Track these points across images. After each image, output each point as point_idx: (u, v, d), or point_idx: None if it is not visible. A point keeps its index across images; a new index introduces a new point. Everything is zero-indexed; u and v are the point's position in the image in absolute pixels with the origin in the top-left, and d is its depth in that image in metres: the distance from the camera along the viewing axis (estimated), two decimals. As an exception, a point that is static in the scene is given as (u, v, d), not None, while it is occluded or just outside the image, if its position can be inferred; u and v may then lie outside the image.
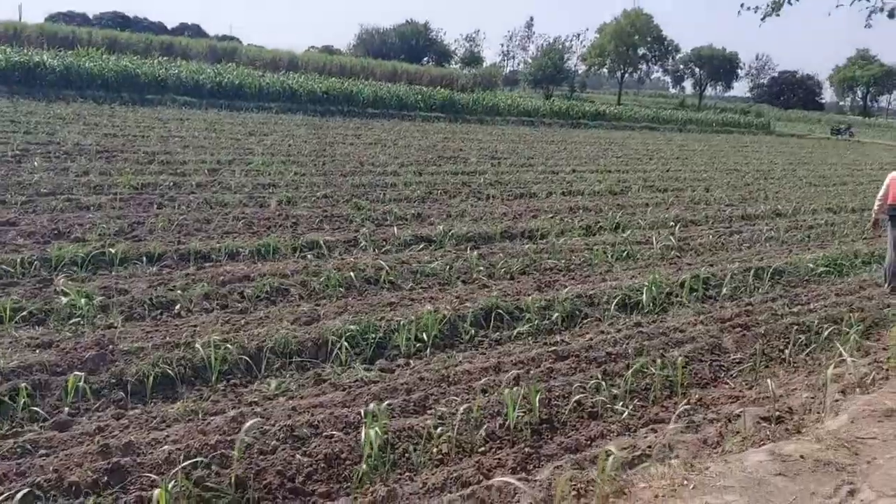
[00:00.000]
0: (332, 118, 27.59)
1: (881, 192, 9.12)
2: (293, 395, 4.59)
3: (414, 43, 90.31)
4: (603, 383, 5.20)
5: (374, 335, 5.64)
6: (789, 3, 4.68)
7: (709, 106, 76.43)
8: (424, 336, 5.88)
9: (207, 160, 13.69)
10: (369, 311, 6.25)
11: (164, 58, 34.46)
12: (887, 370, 5.36)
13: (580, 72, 78.64)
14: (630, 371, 5.36)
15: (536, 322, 6.59)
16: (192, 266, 7.13)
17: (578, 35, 75.97)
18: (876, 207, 9.28)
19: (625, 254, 9.59)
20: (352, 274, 7.15)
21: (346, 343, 5.33)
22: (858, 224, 13.65)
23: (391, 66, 71.48)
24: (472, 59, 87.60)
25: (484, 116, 37.14)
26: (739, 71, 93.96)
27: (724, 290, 8.24)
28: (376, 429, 3.78)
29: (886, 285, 8.83)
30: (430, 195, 12.78)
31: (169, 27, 72.26)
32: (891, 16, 4.17)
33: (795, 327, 6.96)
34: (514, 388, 4.84)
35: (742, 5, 4.67)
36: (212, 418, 4.19)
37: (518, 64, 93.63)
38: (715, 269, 9.05)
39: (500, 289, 7.49)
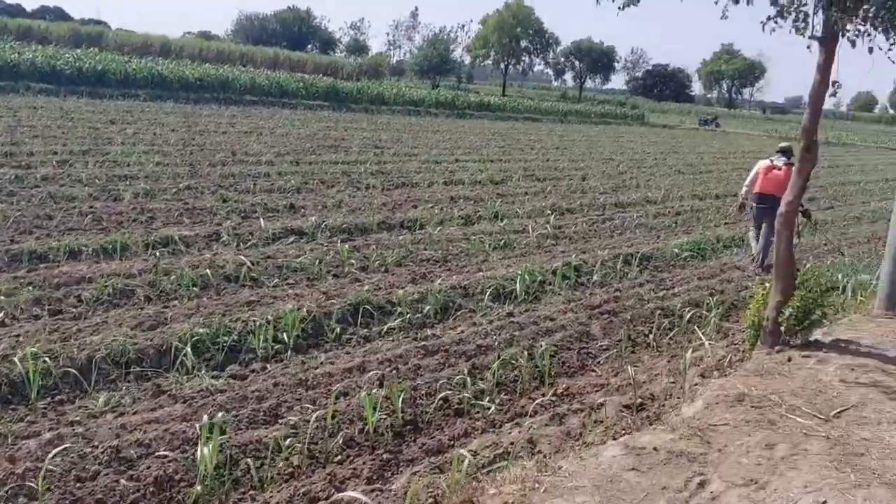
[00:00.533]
0: (206, 106, 26.28)
1: (748, 178, 9.63)
2: (124, 411, 4.11)
3: (296, 30, 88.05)
4: (470, 378, 5.03)
5: (226, 338, 5.21)
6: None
7: (589, 98, 79.06)
8: (285, 336, 5.51)
9: (59, 151, 12.57)
10: (225, 312, 5.80)
11: (18, 42, 31.68)
12: (743, 352, 5.50)
13: (466, 63, 79.43)
14: (497, 363, 5.22)
15: (409, 316, 6.36)
16: (23, 268, 6.39)
17: (463, 26, 76.70)
18: (743, 192, 9.80)
19: (502, 243, 9.55)
20: (208, 271, 6.65)
21: (192, 348, 4.88)
22: (721, 210, 14.34)
23: (272, 52, 69.27)
24: (358, 48, 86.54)
25: (369, 105, 36.61)
26: (616, 64, 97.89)
27: (595, 277, 8.33)
28: (213, 444, 3.40)
29: (753, 265, 9.32)
30: (305, 185, 12.30)
31: (29, 10, 66.86)
32: (736, 1, 4.16)
33: (660, 312, 7.11)
34: (377, 390, 4.59)
35: (598, -7, 4.56)
36: (24, 442, 3.68)
37: (405, 54, 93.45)
38: (587, 256, 9.16)
39: (373, 282, 7.22)
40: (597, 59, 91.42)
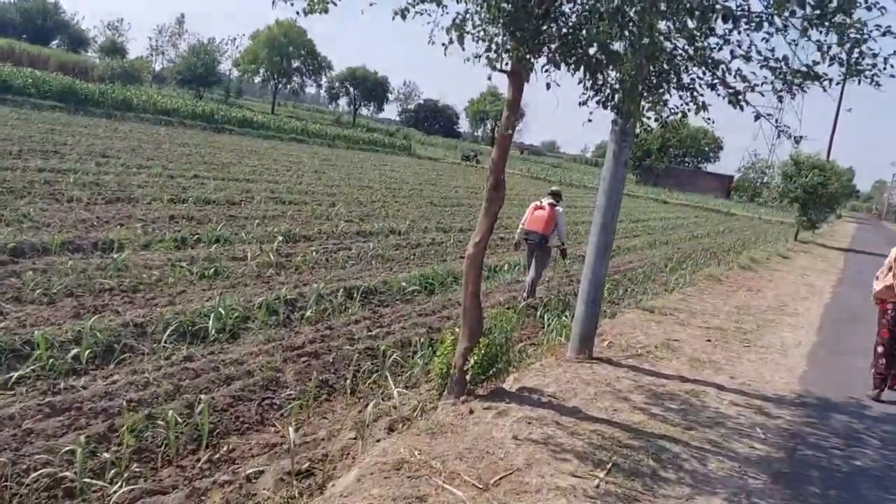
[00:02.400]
0: None
1: (523, 219, 10.17)
2: None
3: (39, 22, 78.55)
4: (100, 444, 4.02)
5: None
6: (334, 3, 3.98)
7: (362, 125, 79.75)
8: None
9: None
10: None
11: None
12: (436, 398, 5.10)
13: (233, 76, 76.05)
14: (130, 425, 4.26)
15: (51, 362, 5.13)
16: None
17: (234, 39, 73.43)
18: (518, 231, 10.36)
19: (212, 271, 8.51)
20: None
21: None
22: (462, 244, 14.50)
23: (6, 44, 61.11)
24: (114, 50, 79.13)
25: (113, 111, 33.10)
26: (390, 95, 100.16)
27: (309, 313, 7.64)
28: None
29: (524, 296, 9.81)
30: (-15, 195, 10.23)
31: None
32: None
33: (368, 352, 6.60)
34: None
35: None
36: None
37: (168, 62, 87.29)
38: (308, 288, 8.46)
39: (20, 316, 5.85)
40: (371, 88, 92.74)
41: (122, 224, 10.19)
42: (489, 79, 4.18)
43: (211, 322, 6.49)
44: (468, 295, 4.77)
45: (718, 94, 5.03)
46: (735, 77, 4.90)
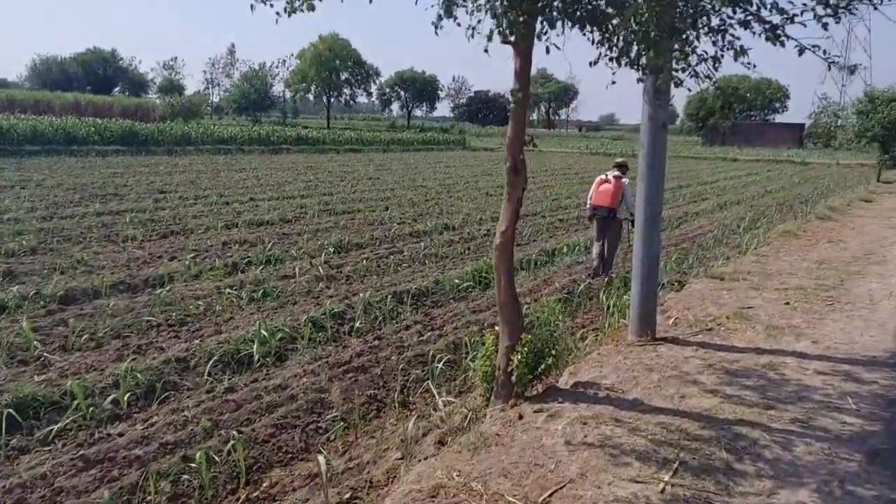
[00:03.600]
0: (-36, 159, 22.98)
1: (590, 194, 10.05)
2: None
3: (101, 72, 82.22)
4: (130, 497, 3.85)
5: None
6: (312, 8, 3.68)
7: (416, 126, 79.96)
8: None
9: None
10: None
11: None
12: (483, 405, 4.74)
13: (287, 97, 77.48)
14: (170, 469, 4.08)
15: (91, 410, 5.05)
16: None
17: (284, 61, 74.60)
18: (587, 205, 10.15)
19: (260, 293, 8.40)
20: None
21: None
22: (519, 230, 14.06)
23: (72, 97, 64.27)
24: (172, 88, 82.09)
25: (174, 147, 34.15)
26: (440, 92, 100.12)
27: (357, 324, 7.41)
28: None
29: (590, 274, 9.77)
30: (43, 245, 10.48)
31: None
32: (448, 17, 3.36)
33: (419, 359, 6.30)
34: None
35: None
36: None
37: (224, 92, 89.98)
38: (358, 298, 8.23)
39: (64, 366, 5.82)
40: (421, 89, 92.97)
41: (174, 257, 10.24)
42: (486, 51, 3.77)
43: (255, 347, 6.32)
44: (502, 289, 4.39)
45: (754, 33, 4.46)
46: (771, 10, 4.34)
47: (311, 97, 75.66)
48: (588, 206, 10.11)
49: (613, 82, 4.73)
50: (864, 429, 4.04)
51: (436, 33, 3.83)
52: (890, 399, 4.50)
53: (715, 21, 4.49)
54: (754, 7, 4.34)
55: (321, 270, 9.54)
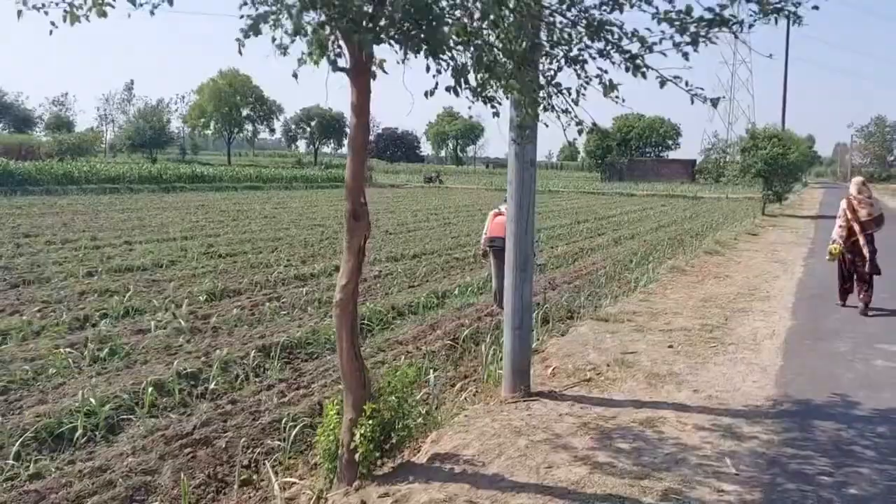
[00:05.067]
0: None
1: (484, 227, 10.14)
2: None
3: (-19, 108, 77.29)
4: None
5: None
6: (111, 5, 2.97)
7: (324, 163, 78.87)
8: None
9: None
10: None
11: None
12: (321, 491, 4.09)
13: (185, 134, 74.86)
14: None
15: None
16: None
17: (183, 97, 72.00)
18: (482, 240, 10.28)
19: (107, 351, 7.45)
20: None
21: None
22: (412, 271, 13.53)
23: (-57, 134, 60.06)
24: (61, 125, 78.04)
25: (53, 187, 32.02)
26: (347, 129, 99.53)
27: (212, 386, 6.61)
28: None
29: (496, 306, 9.53)
30: None
31: None
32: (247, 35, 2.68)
33: (275, 426, 5.59)
34: None
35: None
36: None
37: (118, 129, 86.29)
38: (220, 353, 7.42)
39: None
40: (327, 125, 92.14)
41: (16, 311, 9.10)
42: (294, 76, 3.26)
43: (79, 421, 5.44)
44: (344, 353, 3.80)
45: (614, 63, 4.13)
46: (631, 38, 4.02)
47: (209, 133, 73.34)
48: (483, 239, 10.08)
49: (470, 117, 4.30)
50: (743, 498, 3.65)
51: (239, 52, 3.26)
52: (770, 458, 4.16)
53: (573, 50, 4.15)
54: (615, 36, 4.01)
55: (183, 322, 8.65)
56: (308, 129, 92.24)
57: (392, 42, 3.31)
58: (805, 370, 6.09)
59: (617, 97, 4.28)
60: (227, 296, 10.74)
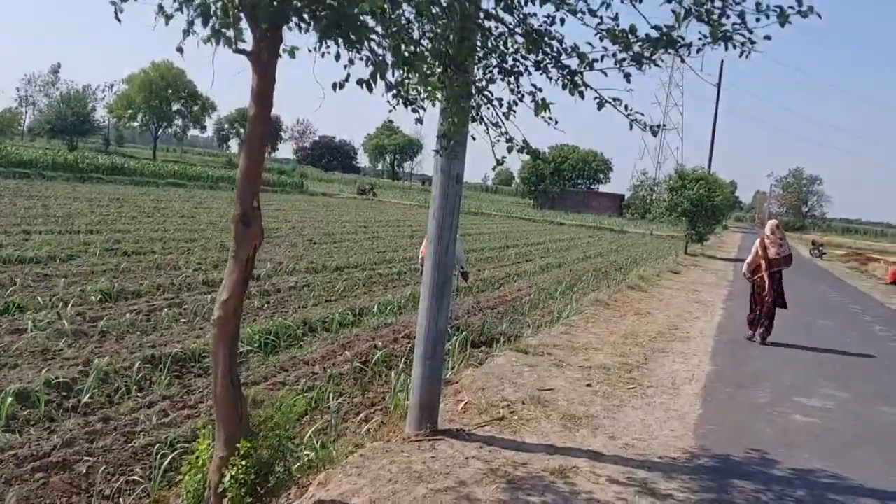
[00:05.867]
0: None
1: (421, 248, 9.53)
2: None
3: None
4: None
5: None
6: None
7: (255, 165, 76.71)
8: None
9: None
10: None
11: None
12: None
13: (110, 123, 71.60)
14: None
15: None
16: None
17: (112, 85, 68.59)
18: (419, 259, 9.77)
19: (-31, 356, 6.61)
20: None
21: None
22: (331, 284, 12.94)
23: None
24: (-25, 101, 73.61)
25: (-45, 167, 29.88)
26: (283, 134, 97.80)
27: (86, 399, 5.90)
28: None
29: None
30: None
31: None
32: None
33: (151, 450, 4.95)
34: None
35: None
36: None
37: (40, 112, 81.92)
38: (98, 362, 6.67)
39: None
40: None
41: None
42: (179, 50, 2.77)
43: None
44: (218, 379, 3.27)
45: (551, 78, 3.79)
46: (571, 54, 3.68)
47: (136, 125, 70.33)
48: (420, 259, 9.75)
49: (390, 121, 3.86)
50: (656, 568, 3.30)
51: (117, 18, 2.74)
52: (686, 520, 3.84)
53: (508, 60, 3.79)
54: (554, 49, 3.66)
55: (67, 324, 7.84)
56: (241, 130, 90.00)
57: (301, 23, 2.85)
58: (724, 421, 5.87)
59: (550, 119, 3.95)
60: (125, 298, 9.92)
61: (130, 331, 8.27)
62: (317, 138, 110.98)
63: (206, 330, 8.70)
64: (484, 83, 3.87)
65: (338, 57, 2.84)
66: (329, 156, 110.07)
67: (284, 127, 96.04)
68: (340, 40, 2.68)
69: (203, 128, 73.42)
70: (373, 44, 2.81)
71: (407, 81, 3.11)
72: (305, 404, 4.05)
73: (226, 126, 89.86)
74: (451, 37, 3.09)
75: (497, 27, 3.41)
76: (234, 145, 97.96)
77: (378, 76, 2.81)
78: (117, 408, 5.89)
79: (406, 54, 2.80)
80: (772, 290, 9.68)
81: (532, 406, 5.66)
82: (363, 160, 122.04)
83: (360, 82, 2.82)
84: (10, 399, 5.44)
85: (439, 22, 2.93)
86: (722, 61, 33.11)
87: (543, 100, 3.86)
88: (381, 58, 2.83)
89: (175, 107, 67.29)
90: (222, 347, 3.25)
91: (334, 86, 2.94)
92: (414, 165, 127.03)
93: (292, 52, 3.16)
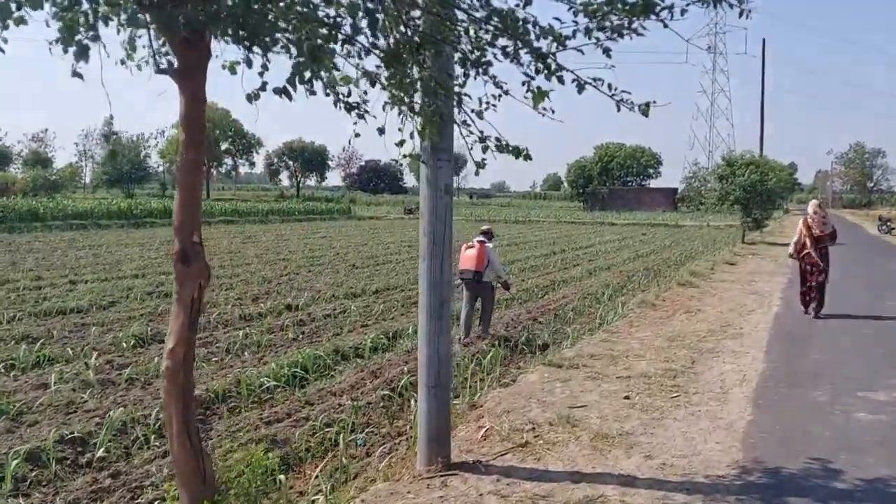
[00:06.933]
0: None
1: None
2: None
3: (-43, 144, 76.33)
4: None
5: None
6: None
7: (306, 196, 78.05)
8: None
9: None
10: None
11: None
12: None
13: (163, 169, 73.97)
14: None
15: None
16: None
17: (163, 131, 71.04)
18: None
19: (-4, 414, 6.53)
20: None
21: None
22: (369, 309, 12.67)
23: (-87, 170, 59.30)
24: (39, 161, 77.07)
25: (17, 224, 31.03)
26: (330, 162, 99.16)
27: (100, 453, 5.71)
28: None
29: (463, 338, 9.71)
30: None
31: None
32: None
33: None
34: None
35: None
36: None
37: (97, 165, 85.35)
38: (114, 414, 6.51)
39: None
40: (310, 159, 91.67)
41: None
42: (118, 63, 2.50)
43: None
44: (174, 438, 2.95)
45: (522, 64, 3.38)
46: (539, 36, 3.28)
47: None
48: (457, 272, 9.81)
49: (357, 134, 3.56)
50: None
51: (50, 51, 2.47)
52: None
53: (472, 50, 3.40)
54: (521, 31, 3.26)
55: (92, 374, 7.74)
56: (291, 163, 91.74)
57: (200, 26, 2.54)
58: (777, 427, 5.27)
59: (545, 109, 3.56)
60: (158, 341, 9.83)
61: (158, 375, 8.13)
62: (363, 163, 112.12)
63: (235, 367, 8.54)
64: (461, 80, 3.52)
65: (249, 64, 2.52)
66: (377, 179, 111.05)
67: (331, 156, 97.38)
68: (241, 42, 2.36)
69: (252, 164, 75.09)
70: (280, 43, 2.48)
71: (333, 83, 2.76)
72: (276, 461, 3.69)
73: (275, 160, 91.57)
74: (388, 26, 2.73)
75: (446, 13, 3.04)
76: (284, 178, 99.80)
77: (296, 81, 2.46)
78: (131, 460, 5.68)
79: (310, 48, 2.45)
80: (818, 266, 10.25)
81: (560, 427, 5.18)
82: (410, 180, 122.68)
83: (277, 91, 2.49)
84: (17, 461, 5.28)
85: (361, 7, 2.57)
86: (763, 40, 31.85)
87: (539, 88, 3.47)
88: (298, 61, 2.49)
89: (224, 146, 68.97)
90: (174, 400, 2.94)
91: (248, 97, 2.61)
92: (460, 180, 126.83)
93: (233, 69, 2.86)
